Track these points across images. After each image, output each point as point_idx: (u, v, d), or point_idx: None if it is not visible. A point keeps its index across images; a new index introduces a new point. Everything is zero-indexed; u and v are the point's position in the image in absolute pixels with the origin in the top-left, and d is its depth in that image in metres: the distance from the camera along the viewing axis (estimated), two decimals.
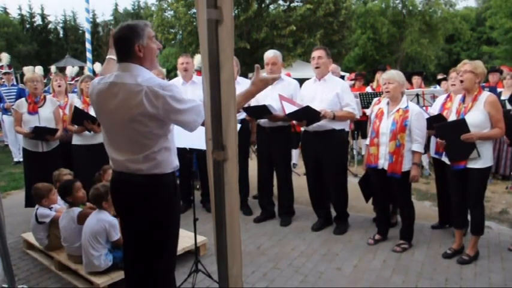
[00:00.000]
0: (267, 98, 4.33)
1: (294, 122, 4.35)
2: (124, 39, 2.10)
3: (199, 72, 5.80)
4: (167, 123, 2.13)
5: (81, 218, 3.29)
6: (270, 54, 4.37)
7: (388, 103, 3.75)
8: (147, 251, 2.25)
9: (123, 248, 2.49)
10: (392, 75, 3.67)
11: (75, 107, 4.35)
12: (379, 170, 3.73)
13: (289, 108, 3.98)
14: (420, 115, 3.65)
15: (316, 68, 4.11)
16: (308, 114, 3.94)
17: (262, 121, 4.43)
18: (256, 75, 2.12)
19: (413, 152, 3.62)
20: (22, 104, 4.63)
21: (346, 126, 4.33)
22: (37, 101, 4.62)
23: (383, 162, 3.69)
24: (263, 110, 4.16)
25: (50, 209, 3.62)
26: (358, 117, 4.40)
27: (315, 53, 4.13)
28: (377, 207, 4.10)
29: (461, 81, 3.45)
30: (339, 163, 4.22)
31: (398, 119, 3.61)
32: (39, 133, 4.46)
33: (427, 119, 3.77)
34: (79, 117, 4.28)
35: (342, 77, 6.85)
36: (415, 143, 3.60)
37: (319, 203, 4.41)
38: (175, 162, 2.24)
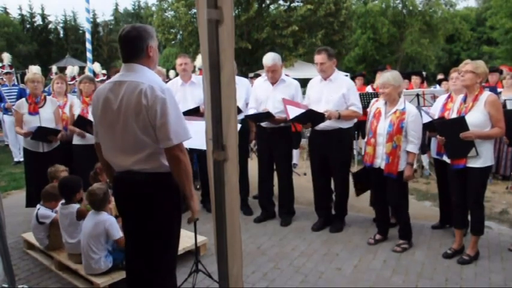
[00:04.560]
0: (268, 99, 4.34)
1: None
2: (137, 37, 2.16)
3: (201, 71, 5.79)
4: None
5: (80, 215, 3.30)
6: (269, 62, 4.27)
7: (385, 103, 3.76)
8: (150, 250, 2.27)
9: (125, 247, 2.49)
10: (387, 80, 3.65)
11: (79, 115, 4.43)
12: (376, 169, 3.75)
13: (293, 113, 3.97)
14: (416, 117, 3.67)
15: (321, 72, 4.14)
16: (312, 117, 3.95)
17: None
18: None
19: (408, 153, 3.64)
20: (22, 105, 4.63)
21: (352, 124, 4.33)
22: (38, 102, 4.62)
23: (379, 162, 3.71)
24: (265, 116, 4.17)
25: (52, 211, 3.63)
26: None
27: (317, 59, 4.10)
28: (376, 206, 4.10)
29: (463, 80, 3.46)
30: (344, 161, 4.26)
31: (395, 120, 3.61)
32: (41, 134, 4.47)
33: (429, 122, 3.78)
34: (82, 123, 4.33)
35: None
36: (410, 144, 3.62)
37: (323, 204, 4.42)
38: None
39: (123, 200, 2.32)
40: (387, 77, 3.68)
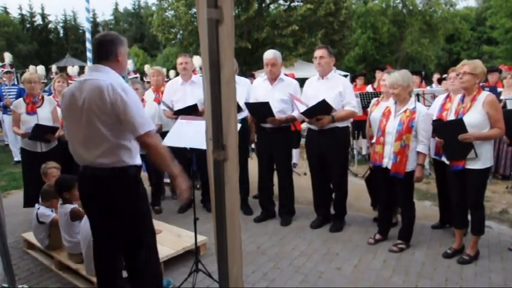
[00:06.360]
0: (267, 98, 4.33)
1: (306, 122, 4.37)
2: (109, 42, 2.37)
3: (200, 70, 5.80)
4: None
5: (74, 215, 3.29)
6: (269, 56, 4.34)
7: (395, 102, 3.74)
8: (123, 248, 2.40)
9: (93, 246, 2.57)
10: (396, 80, 3.59)
11: None
12: (384, 169, 3.72)
13: (302, 107, 4.00)
14: (427, 117, 3.64)
15: (319, 67, 4.14)
16: (322, 108, 3.96)
17: None
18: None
19: (418, 153, 3.61)
20: (20, 105, 4.62)
21: (348, 123, 4.36)
22: (35, 101, 4.62)
23: (387, 161, 3.68)
24: (264, 108, 4.16)
25: (51, 211, 3.62)
26: (360, 114, 4.42)
27: (317, 53, 4.14)
28: (380, 206, 4.09)
29: (462, 82, 3.44)
30: (341, 160, 4.26)
31: (405, 119, 3.59)
32: (39, 132, 4.45)
33: None
34: None
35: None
36: (421, 144, 3.59)
37: (322, 203, 4.42)
38: (137, 160, 2.39)
39: (87, 193, 2.44)
40: (396, 77, 3.61)
